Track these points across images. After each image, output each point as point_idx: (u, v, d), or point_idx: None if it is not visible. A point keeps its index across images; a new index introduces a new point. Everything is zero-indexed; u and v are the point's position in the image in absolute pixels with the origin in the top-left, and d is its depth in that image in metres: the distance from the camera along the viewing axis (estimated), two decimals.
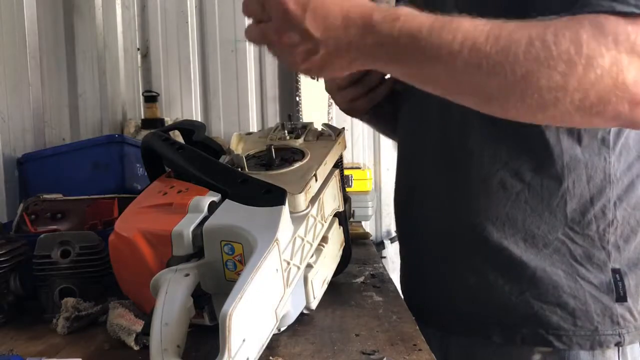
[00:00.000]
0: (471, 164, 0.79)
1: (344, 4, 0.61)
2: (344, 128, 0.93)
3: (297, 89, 2.76)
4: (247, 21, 0.69)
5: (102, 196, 1.10)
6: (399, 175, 0.97)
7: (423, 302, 0.89)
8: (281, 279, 0.64)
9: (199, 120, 2.47)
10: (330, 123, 0.94)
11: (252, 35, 0.67)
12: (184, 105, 2.83)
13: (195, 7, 2.82)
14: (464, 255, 0.82)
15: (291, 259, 0.69)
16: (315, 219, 0.77)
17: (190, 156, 0.79)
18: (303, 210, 0.72)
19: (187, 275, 0.63)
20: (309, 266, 0.75)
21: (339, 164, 0.90)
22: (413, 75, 0.65)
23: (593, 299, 0.75)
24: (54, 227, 1.02)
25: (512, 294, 0.78)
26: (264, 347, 0.61)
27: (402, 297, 0.93)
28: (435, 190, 0.84)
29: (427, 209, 0.86)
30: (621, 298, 0.76)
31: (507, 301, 0.78)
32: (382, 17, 0.60)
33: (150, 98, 2.52)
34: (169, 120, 2.60)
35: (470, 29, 0.57)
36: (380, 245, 2.69)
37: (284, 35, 0.63)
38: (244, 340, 0.55)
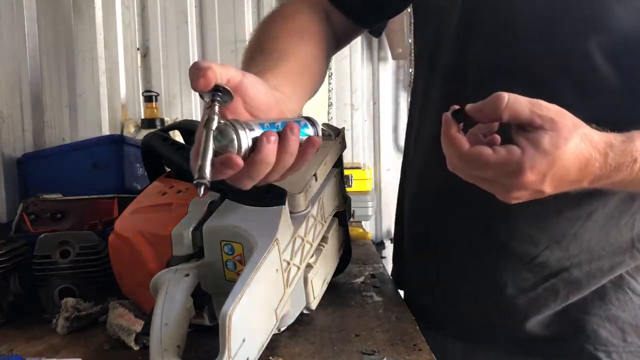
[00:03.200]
0: None
1: (582, 160, 0.57)
2: (344, 128, 0.93)
3: None
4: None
5: (102, 196, 1.10)
6: (429, 180, 0.85)
7: (447, 312, 0.84)
8: (281, 279, 0.64)
9: (199, 120, 2.47)
10: (330, 123, 0.94)
11: (460, 173, 0.60)
12: (184, 105, 2.82)
13: (195, 7, 2.82)
14: (510, 270, 0.77)
15: (291, 259, 0.69)
16: (315, 219, 0.77)
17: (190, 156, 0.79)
18: (303, 210, 0.72)
19: (187, 275, 0.63)
20: (309, 266, 0.75)
21: (339, 164, 0.90)
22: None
23: None
24: (54, 227, 1.02)
25: (554, 306, 0.75)
26: (264, 347, 0.61)
27: (404, 298, 0.92)
28: (482, 200, 0.69)
29: (470, 219, 0.79)
30: None
31: (548, 312, 0.76)
32: (618, 163, 0.58)
33: (150, 98, 2.52)
34: (169, 120, 2.59)
35: None
36: (380, 245, 2.69)
37: (512, 194, 0.58)
38: (244, 340, 0.55)
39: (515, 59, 0.71)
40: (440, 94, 0.81)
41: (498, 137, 0.58)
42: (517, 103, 0.55)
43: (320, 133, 0.59)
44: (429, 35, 0.84)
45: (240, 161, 0.49)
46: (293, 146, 0.53)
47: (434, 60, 0.82)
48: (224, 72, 0.52)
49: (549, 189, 0.57)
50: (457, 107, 0.58)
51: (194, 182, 0.48)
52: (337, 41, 0.88)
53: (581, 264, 0.74)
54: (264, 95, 0.58)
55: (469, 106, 0.57)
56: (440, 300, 0.85)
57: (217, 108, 0.52)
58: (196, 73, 0.51)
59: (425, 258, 0.88)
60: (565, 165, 0.56)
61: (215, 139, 0.49)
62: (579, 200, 0.71)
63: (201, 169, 0.48)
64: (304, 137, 0.55)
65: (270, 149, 0.51)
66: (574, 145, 0.55)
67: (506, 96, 0.55)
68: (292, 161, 0.54)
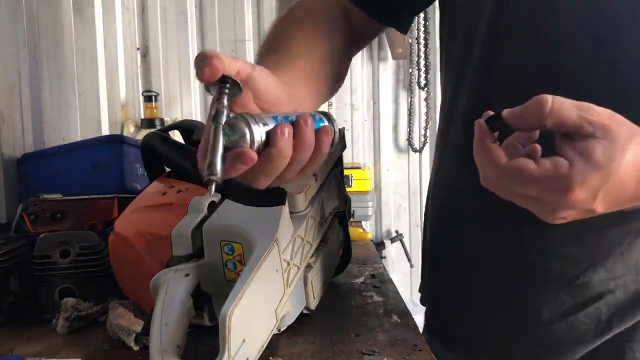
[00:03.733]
0: None
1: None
2: (344, 128, 0.93)
3: None
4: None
5: (102, 196, 1.10)
6: (452, 190, 0.79)
7: (474, 337, 0.78)
8: (281, 279, 0.64)
9: (199, 120, 2.47)
10: None
11: (498, 190, 0.52)
12: (184, 105, 2.82)
13: (195, 7, 2.82)
14: (545, 292, 0.70)
15: (291, 259, 0.69)
16: (315, 219, 0.77)
17: (190, 156, 0.79)
18: (303, 210, 0.72)
19: (187, 275, 0.63)
20: (309, 266, 0.75)
21: (339, 164, 0.90)
22: None
23: None
24: (54, 227, 1.02)
25: (596, 333, 0.69)
26: (264, 347, 0.61)
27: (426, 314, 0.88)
28: (511, 211, 0.59)
29: (497, 232, 0.72)
30: None
31: (589, 340, 0.69)
32: None
33: (150, 98, 2.52)
34: (169, 120, 2.59)
35: None
36: (380, 245, 2.70)
37: (558, 214, 0.51)
38: (243, 340, 0.55)
39: (549, 64, 0.65)
40: (467, 98, 0.74)
41: (539, 148, 0.51)
42: (563, 107, 0.47)
43: (337, 129, 0.55)
44: (457, 35, 0.78)
45: (254, 155, 0.45)
46: (309, 139, 0.48)
47: (463, 60, 0.76)
48: (233, 63, 0.48)
49: (601, 207, 0.49)
50: (491, 113, 0.50)
51: (204, 179, 0.44)
52: (357, 40, 0.82)
53: (627, 284, 0.67)
54: (275, 89, 0.53)
55: (505, 112, 0.50)
56: (466, 322, 0.79)
57: (225, 101, 0.48)
58: (202, 62, 0.47)
59: (447, 274, 0.82)
60: (621, 181, 0.48)
61: (225, 133, 0.45)
62: (629, 214, 0.60)
63: (211, 165, 0.44)
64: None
65: (286, 141, 0.47)
66: (632, 157, 0.47)
67: (550, 99, 0.47)
68: (309, 155, 0.50)
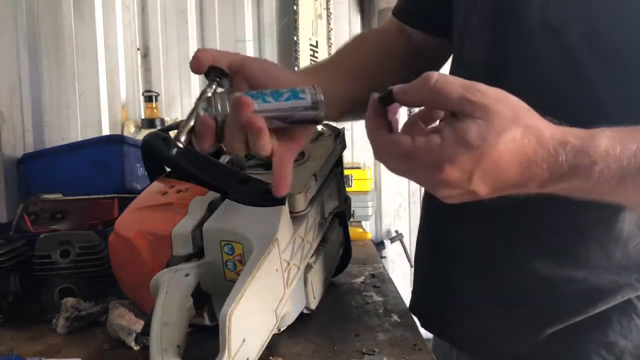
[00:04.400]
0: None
1: (523, 159, 0.47)
2: (344, 128, 0.93)
3: None
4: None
5: (102, 196, 1.10)
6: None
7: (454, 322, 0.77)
8: (281, 279, 0.64)
9: None
10: (330, 123, 0.93)
11: (384, 164, 0.53)
12: (184, 105, 2.83)
13: (195, 7, 2.82)
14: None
15: (291, 259, 0.69)
16: (315, 219, 0.77)
17: (190, 156, 0.79)
18: (303, 210, 0.72)
19: (187, 275, 0.63)
20: (309, 266, 0.75)
21: (339, 164, 0.90)
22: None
23: None
24: (54, 227, 1.02)
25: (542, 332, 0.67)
26: (264, 347, 0.61)
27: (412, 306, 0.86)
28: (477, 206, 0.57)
29: (470, 223, 0.71)
30: None
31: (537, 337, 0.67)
32: (573, 165, 0.48)
33: (150, 98, 2.52)
34: (169, 120, 2.60)
35: None
36: (380, 245, 2.70)
37: (439, 191, 0.51)
38: (244, 340, 0.55)
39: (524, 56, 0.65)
40: None
41: (440, 127, 0.49)
42: (447, 85, 0.47)
43: (317, 99, 0.55)
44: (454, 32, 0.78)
45: (210, 122, 0.52)
46: (239, 118, 0.53)
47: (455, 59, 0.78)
48: (224, 57, 0.54)
49: (482, 189, 0.49)
50: (389, 88, 0.51)
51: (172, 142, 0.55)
52: (421, 57, 0.84)
53: (600, 274, 0.64)
54: (274, 75, 0.58)
55: (395, 87, 0.50)
56: (445, 307, 0.78)
57: (213, 87, 0.55)
58: (192, 58, 0.55)
59: (431, 268, 0.82)
60: (497, 163, 0.47)
61: (203, 109, 0.54)
62: (578, 210, 0.60)
63: (179, 133, 0.53)
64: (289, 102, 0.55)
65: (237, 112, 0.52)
66: (510, 139, 0.46)
67: (435, 76, 0.47)
68: (238, 126, 0.53)
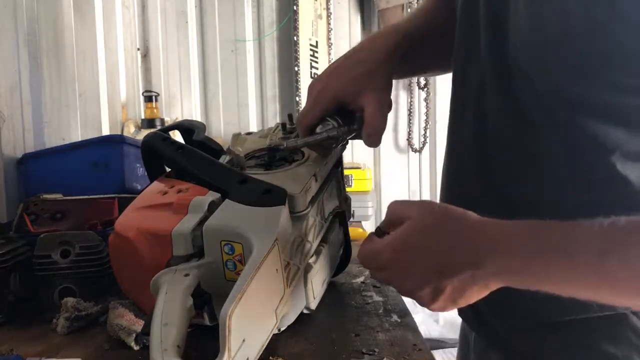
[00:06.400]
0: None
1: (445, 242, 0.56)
2: None
3: (297, 88, 2.76)
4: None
5: (102, 196, 1.10)
6: (446, 188, 0.79)
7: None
8: (281, 278, 0.64)
9: (199, 120, 2.47)
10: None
11: (374, 274, 0.64)
12: (184, 105, 2.83)
13: (195, 7, 2.82)
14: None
15: (291, 259, 0.69)
16: (315, 219, 0.77)
17: (190, 156, 0.79)
18: (303, 210, 0.72)
19: (187, 275, 0.63)
20: (309, 266, 0.75)
21: (339, 164, 0.90)
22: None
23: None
24: (54, 227, 1.02)
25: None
26: (264, 347, 0.61)
27: None
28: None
29: None
30: None
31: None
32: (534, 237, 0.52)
33: (150, 98, 2.53)
34: (169, 120, 2.60)
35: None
36: None
37: (401, 285, 0.59)
38: (244, 340, 0.55)
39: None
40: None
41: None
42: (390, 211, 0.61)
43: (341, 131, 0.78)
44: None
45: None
46: None
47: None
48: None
49: (435, 279, 0.55)
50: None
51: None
52: None
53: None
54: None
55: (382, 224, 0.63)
56: None
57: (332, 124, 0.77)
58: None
59: None
60: (414, 259, 0.57)
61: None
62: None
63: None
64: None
65: None
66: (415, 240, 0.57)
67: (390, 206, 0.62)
68: None
